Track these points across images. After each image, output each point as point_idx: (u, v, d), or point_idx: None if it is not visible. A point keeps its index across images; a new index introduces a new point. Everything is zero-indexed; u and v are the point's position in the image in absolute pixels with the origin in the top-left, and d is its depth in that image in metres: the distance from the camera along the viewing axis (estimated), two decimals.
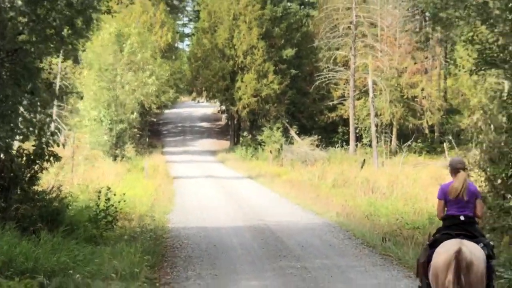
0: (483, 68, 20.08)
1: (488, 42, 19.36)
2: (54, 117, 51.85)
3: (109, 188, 21.90)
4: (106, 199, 21.14)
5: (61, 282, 13.38)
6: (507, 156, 18.63)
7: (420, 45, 63.65)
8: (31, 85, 18.56)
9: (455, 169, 9.96)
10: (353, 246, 20.46)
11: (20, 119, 18.47)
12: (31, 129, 18.62)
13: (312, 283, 15.50)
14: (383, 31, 63.19)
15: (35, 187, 18.93)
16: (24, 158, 18.49)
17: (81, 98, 49.34)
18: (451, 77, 62.21)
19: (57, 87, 50.44)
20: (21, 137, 18.60)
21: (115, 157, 45.77)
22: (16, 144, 19.13)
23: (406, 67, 62.16)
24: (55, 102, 52.09)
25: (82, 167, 33.81)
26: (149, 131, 64.77)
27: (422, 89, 62.33)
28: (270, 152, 54.88)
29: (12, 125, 18.04)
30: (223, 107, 72.75)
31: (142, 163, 45.49)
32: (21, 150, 18.60)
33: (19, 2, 17.99)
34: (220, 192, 35.99)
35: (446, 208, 10.00)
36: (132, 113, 51.92)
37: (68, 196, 21.07)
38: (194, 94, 76.95)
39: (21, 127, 18.65)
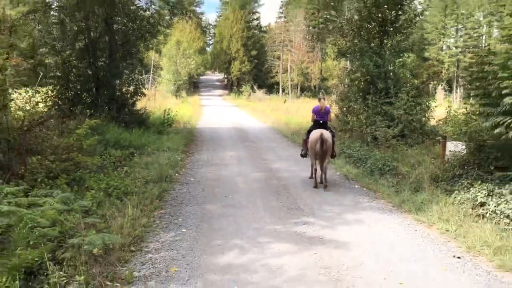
0: (339, 57, 19.23)
1: (342, 45, 18.15)
2: (151, 77, 50.78)
3: (169, 109, 20.69)
4: (167, 114, 19.86)
5: (141, 152, 12.29)
6: (348, 98, 18.02)
7: (311, 50, 61.83)
8: (131, 61, 17.33)
9: (319, 99, 10.48)
10: (278, 137, 19.32)
11: (125, 76, 17.11)
12: (131, 81, 17.44)
13: (259, 152, 14.45)
14: (295, 43, 61.19)
15: (134, 108, 17.63)
16: (129, 94, 17.23)
17: (162, 69, 47.88)
18: (324, 63, 61.03)
19: (152, 65, 49.35)
20: (126, 85, 17.34)
21: (176, 97, 44.21)
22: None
23: (304, 60, 60.60)
24: (152, 71, 50.93)
25: (160, 100, 32.19)
26: (193, 85, 62.65)
27: (311, 69, 61.10)
28: (245, 95, 54.07)
29: (122, 79, 16.76)
30: (225, 76, 71.09)
31: (188, 99, 44.27)
32: (127, 91, 17.35)
33: (124, 20, 16.59)
34: (221, 112, 34.64)
35: (315, 117, 10.31)
36: (184, 77, 50.68)
37: (150, 112, 19.78)
38: (212, 70, 76.34)
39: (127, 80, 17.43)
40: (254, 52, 64.25)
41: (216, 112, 34.54)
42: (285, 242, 6.04)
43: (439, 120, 16.52)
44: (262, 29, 73.71)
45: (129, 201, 7.39)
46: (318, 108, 10.12)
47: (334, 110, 19.34)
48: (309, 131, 10.14)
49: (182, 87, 50.24)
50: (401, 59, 17.44)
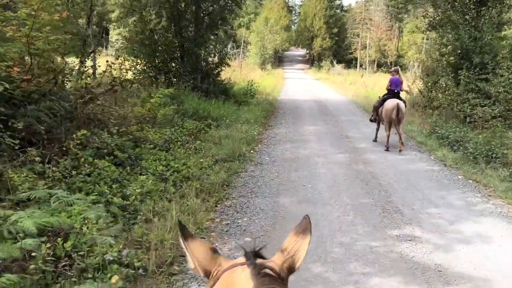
0: (429, 30, 15.56)
1: (433, 17, 14.85)
2: (241, 51, 48.43)
3: (252, 80, 18.50)
4: (251, 85, 17.60)
5: (219, 123, 10.00)
6: (435, 73, 14.91)
7: (389, 28, 56.62)
8: (217, 31, 15.05)
9: (395, 71, 10.05)
10: (359, 111, 16.31)
11: (211, 47, 14.89)
12: (217, 51, 15.14)
13: (340, 128, 11.82)
14: (374, 21, 56.26)
15: (218, 78, 15.40)
16: (214, 65, 15.01)
17: (250, 44, 45.40)
18: (401, 41, 55.40)
19: (242, 40, 47.04)
20: (212, 55, 15.09)
21: (262, 69, 41.22)
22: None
23: (382, 37, 55.61)
24: (243, 45, 48.68)
25: (246, 71, 29.74)
26: (278, 59, 59.19)
27: (388, 46, 55.92)
28: (325, 69, 50.24)
29: (207, 49, 14.51)
30: (307, 51, 66.76)
31: (272, 72, 41.26)
32: (212, 61, 15.13)
33: None
34: (302, 84, 31.70)
35: (390, 86, 9.73)
36: (270, 51, 47.63)
37: (234, 83, 17.63)
38: (296, 46, 72.43)
39: (212, 51, 15.17)
40: (335, 30, 60.09)
41: (298, 84, 31.71)
42: (388, 276, 3.60)
43: None
44: (344, 9, 68.91)
45: (189, 188, 5.27)
46: (395, 79, 9.69)
47: (418, 85, 16.63)
48: (383, 100, 9.57)
49: (267, 60, 47.42)
50: (501, 32, 13.88)
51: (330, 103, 18.71)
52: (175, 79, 13.81)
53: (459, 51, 13.69)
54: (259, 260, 0.94)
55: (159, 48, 13.59)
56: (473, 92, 12.74)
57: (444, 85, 15.00)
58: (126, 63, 12.79)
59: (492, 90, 12.14)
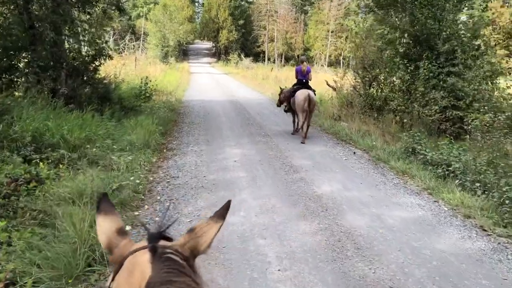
0: (376, 9, 11.88)
1: None
2: (141, 43, 42.58)
3: (147, 77, 13.70)
4: (145, 83, 12.96)
5: (79, 155, 5.19)
6: (375, 65, 11.93)
7: (295, 21, 54.40)
8: (90, 10, 10.18)
9: (301, 60, 9.53)
10: (288, 115, 12.43)
11: (83, 32, 10.11)
12: (91, 38, 10.32)
13: (278, 149, 7.88)
14: (280, 14, 53.73)
15: (97, 76, 10.50)
16: (88, 57, 10.08)
17: (148, 35, 39.80)
18: (307, 34, 53.52)
19: (142, 32, 41.20)
20: (86, 43, 10.35)
21: (164, 63, 35.81)
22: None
23: (289, 30, 53.23)
24: (142, 37, 43.17)
25: (143, 66, 24.49)
26: (183, 53, 53.72)
27: (295, 39, 53.69)
28: (233, 63, 46.13)
29: (76, 35, 9.74)
30: (214, 44, 62.08)
31: (176, 66, 36.14)
32: (88, 52, 10.27)
33: None
34: (211, 80, 27.23)
35: (298, 76, 9.26)
36: (172, 42, 42.27)
37: (121, 81, 12.80)
38: (201, 38, 67.31)
39: (85, 38, 10.35)
40: (241, 22, 56.44)
41: (206, 80, 27.31)
42: None
43: None
44: (249, 0, 65.20)
45: None
46: (301, 69, 9.21)
47: (350, 80, 13.39)
48: (294, 91, 9.07)
49: (170, 53, 42.17)
50: (462, 13, 10.84)
51: (249, 105, 14.65)
52: (20, 80, 8.89)
53: (417, 37, 10.44)
54: (162, 242, 0.86)
55: None
56: (436, 89, 9.57)
57: (383, 80, 11.73)
58: None
59: (467, 87, 9.04)
